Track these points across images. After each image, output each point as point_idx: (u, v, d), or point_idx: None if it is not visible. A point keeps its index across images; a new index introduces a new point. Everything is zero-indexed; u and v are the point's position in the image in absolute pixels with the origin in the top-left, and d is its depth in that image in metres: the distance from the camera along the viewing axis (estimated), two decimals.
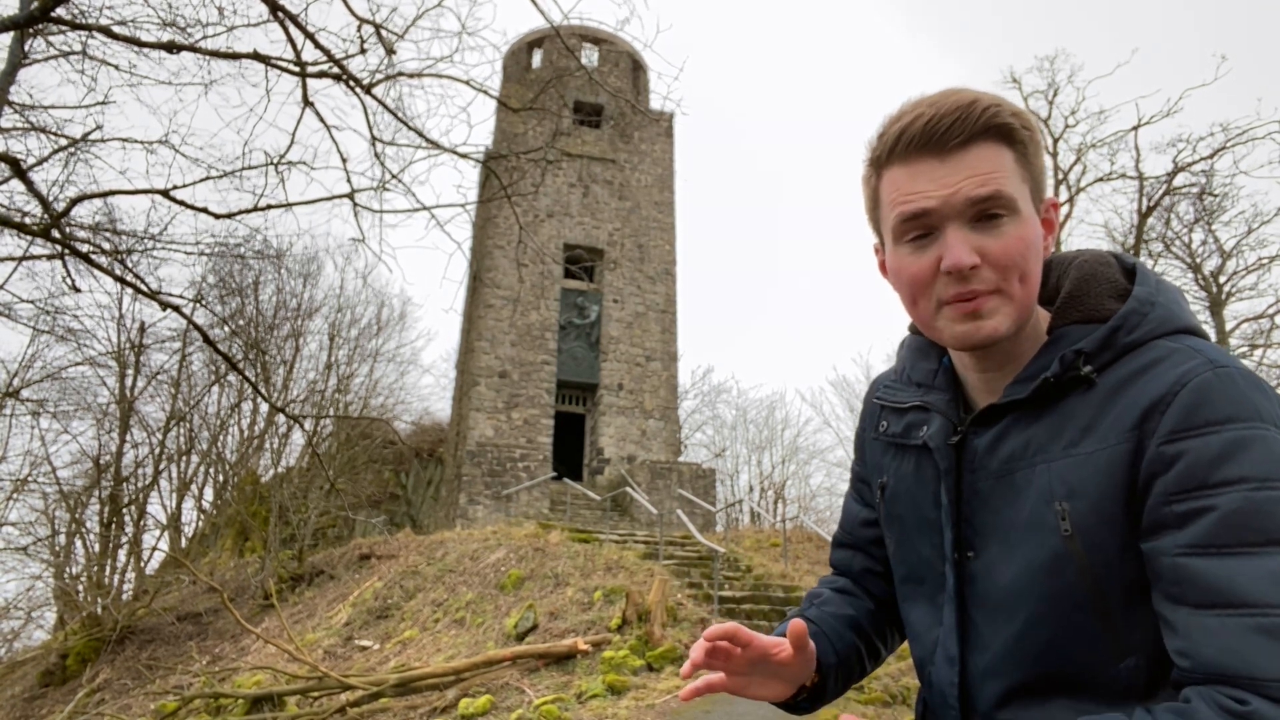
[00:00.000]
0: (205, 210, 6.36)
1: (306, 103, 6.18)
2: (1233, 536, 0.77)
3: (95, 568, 18.56)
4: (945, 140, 0.89)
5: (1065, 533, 0.87)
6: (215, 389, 22.98)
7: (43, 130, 7.30)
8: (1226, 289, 18.11)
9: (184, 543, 22.52)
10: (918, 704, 1.11)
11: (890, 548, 1.13)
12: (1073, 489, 0.87)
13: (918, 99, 0.93)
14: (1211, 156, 16.82)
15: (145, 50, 6.45)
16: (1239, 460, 0.79)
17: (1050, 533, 0.88)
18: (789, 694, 1.04)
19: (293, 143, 6.36)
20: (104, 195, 6.90)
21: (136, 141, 7.36)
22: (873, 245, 1.04)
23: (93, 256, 6.73)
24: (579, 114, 25.52)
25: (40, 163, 7.23)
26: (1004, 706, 0.94)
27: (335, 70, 5.91)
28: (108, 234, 8.45)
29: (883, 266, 1.01)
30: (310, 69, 5.97)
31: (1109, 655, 0.88)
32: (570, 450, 22.68)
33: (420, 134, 6.38)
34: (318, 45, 5.81)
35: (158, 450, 19.89)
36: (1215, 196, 17.44)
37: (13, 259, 8.24)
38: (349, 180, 6.46)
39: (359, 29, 5.94)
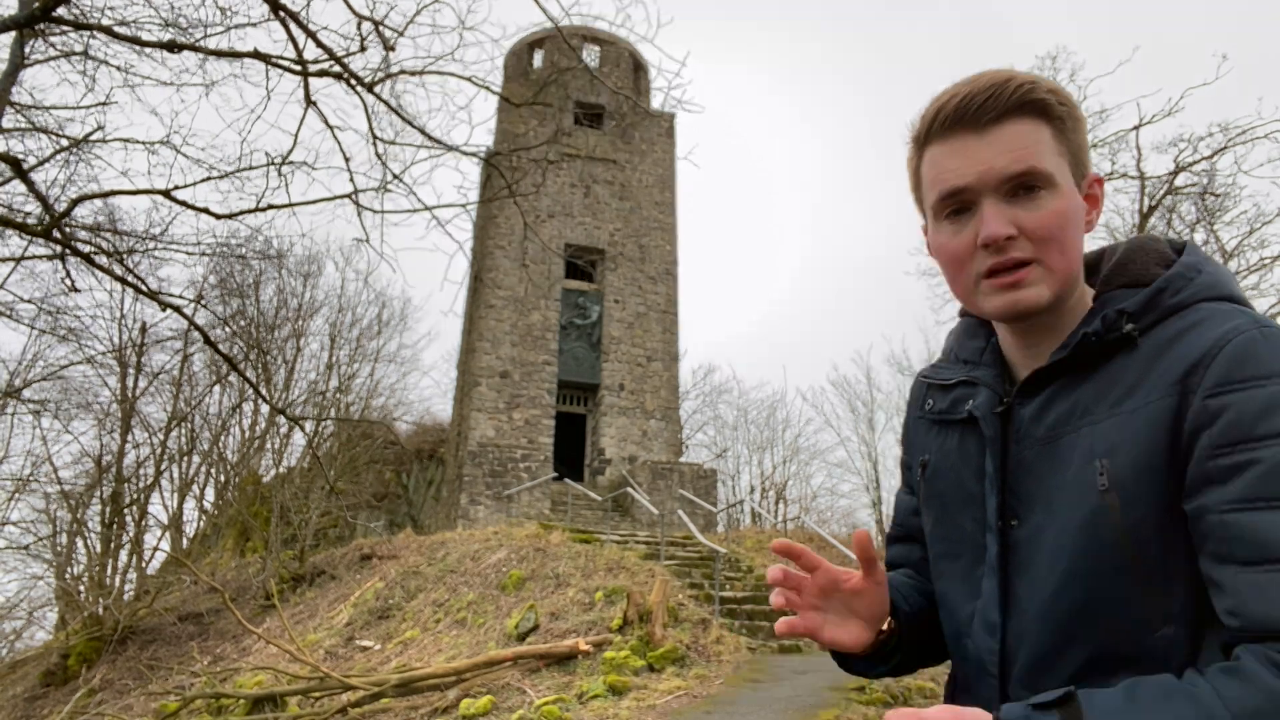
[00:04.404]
0: (206, 211, 6.35)
1: (309, 102, 6.17)
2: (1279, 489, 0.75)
3: (96, 567, 18.57)
4: (979, 116, 0.90)
5: (1102, 487, 0.86)
6: (216, 389, 23.02)
7: (44, 130, 7.31)
8: None
9: (185, 543, 22.54)
10: (948, 683, 1.09)
11: (928, 525, 1.11)
12: (1113, 446, 0.86)
13: (958, 80, 0.95)
14: (1213, 156, 16.79)
15: (146, 50, 6.45)
16: None
17: (1089, 490, 0.87)
18: (869, 638, 1.00)
19: (295, 143, 6.35)
20: (105, 195, 6.90)
21: (138, 142, 7.35)
22: (920, 226, 1.06)
23: (93, 257, 6.73)
24: (580, 115, 25.52)
25: (41, 163, 7.23)
26: (1039, 673, 0.92)
27: (336, 69, 5.90)
28: (108, 234, 8.47)
29: (929, 245, 1.02)
30: (311, 67, 5.96)
31: (1145, 622, 0.85)
32: (571, 451, 22.66)
33: (423, 131, 6.37)
34: (319, 43, 5.80)
35: (159, 450, 19.91)
36: (1217, 196, 17.41)
37: (13, 259, 8.25)
38: (351, 180, 6.45)
39: (359, 26, 5.93)
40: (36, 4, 5.32)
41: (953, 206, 0.94)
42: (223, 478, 23.61)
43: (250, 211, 6.51)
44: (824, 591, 0.97)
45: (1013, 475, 0.97)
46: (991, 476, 0.98)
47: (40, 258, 8.18)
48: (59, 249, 6.71)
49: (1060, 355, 0.93)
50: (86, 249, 6.87)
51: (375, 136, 6.41)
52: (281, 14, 5.69)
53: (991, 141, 0.90)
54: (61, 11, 5.64)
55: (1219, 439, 0.79)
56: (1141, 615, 0.85)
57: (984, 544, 0.99)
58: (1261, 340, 0.82)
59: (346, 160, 6.38)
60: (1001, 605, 0.96)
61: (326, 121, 6.29)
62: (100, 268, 6.49)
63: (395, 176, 6.51)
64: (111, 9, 6.35)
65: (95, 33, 6.12)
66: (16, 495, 18.69)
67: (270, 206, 6.41)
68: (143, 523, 19.04)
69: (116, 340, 19.23)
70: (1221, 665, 0.76)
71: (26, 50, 6.29)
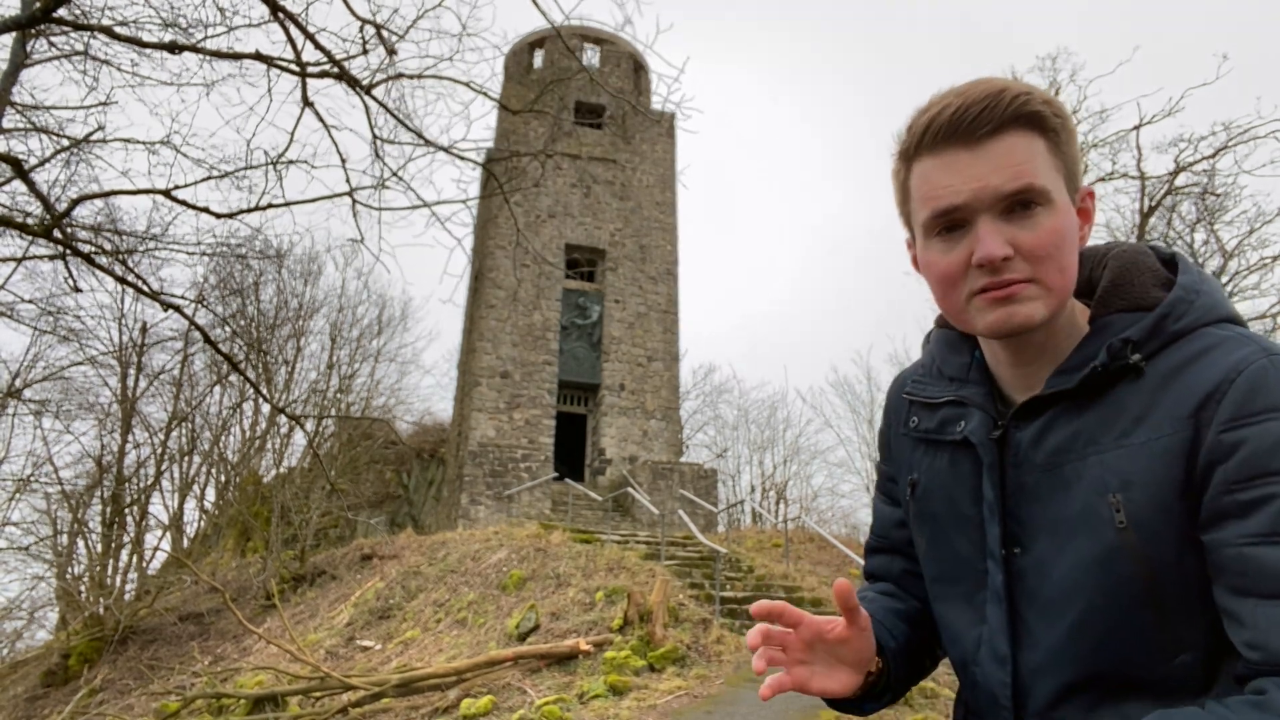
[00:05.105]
0: (207, 210, 6.36)
1: (306, 103, 6.17)
2: None
3: (97, 568, 18.58)
4: (973, 130, 0.87)
5: (1120, 525, 0.84)
6: (217, 389, 23.03)
7: (45, 131, 7.32)
8: (1229, 289, 18.05)
9: (186, 543, 22.55)
10: (956, 706, 1.08)
11: (921, 546, 1.09)
12: (1127, 480, 0.85)
13: (946, 90, 0.91)
14: (1213, 156, 16.77)
15: (147, 51, 6.46)
16: None
17: (1104, 525, 0.85)
18: (858, 682, 0.97)
19: (292, 141, 6.35)
20: (106, 195, 6.91)
21: (138, 142, 7.37)
22: (904, 240, 1.01)
23: (94, 257, 6.74)
24: (580, 114, 25.51)
25: (42, 163, 7.24)
26: (1057, 706, 0.91)
27: (335, 71, 5.91)
28: (109, 234, 8.49)
29: (915, 261, 0.98)
30: (311, 69, 5.96)
31: (1163, 651, 0.85)
32: (572, 451, 22.67)
33: (420, 135, 6.37)
34: (318, 46, 5.81)
35: (160, 450, 19.94)
36: (1217, 196, 17.38)
37: (14, 259, 8.26)
38: (348, 179, 6.46)
39: (360, 29, 5.93)
40: (37, 4, 5.32)
41: (945, 224, 0.90)
42: (223, 478, 23.62)
43: (250, 210, 6.52)
44: (808, 645, 0.94)
45: (1013, 501, 0.95)
46: (992, 504, 0.96)
47: (41, 258, 8.20)
48: (60, 249, 6.72)
49: (1065, 386, 0.91)
50: (87, 249, 6.88)
51: (375, 136, 6.41)
52: (281, 15, 5.70)
53: (986, 156, 0.86)
54: (62, 12, 5.64)
55: (1236, 474, 0.79)
56: (1159, 644, 0.85)
57: (983, 569, 0.98)
58: (1272, 370, 0.81)
59: (343, 161, 6.38)
60: (1011, 636, 0.95)
61: (324, 122, 6.30)
62: (101, 268, 6.50)
63: (394, 173, 6.52)
64: (112, 9, 6.37)
65: (96, 33, 6.13)
66: (17, 495, 18.69)
67: (269, 205, 6.41)
68: (143, 523, 19.05)
69: (117, 340, 19.29)
70: (1246, 698, 0.75)
71: (28, 50, 6.30)
